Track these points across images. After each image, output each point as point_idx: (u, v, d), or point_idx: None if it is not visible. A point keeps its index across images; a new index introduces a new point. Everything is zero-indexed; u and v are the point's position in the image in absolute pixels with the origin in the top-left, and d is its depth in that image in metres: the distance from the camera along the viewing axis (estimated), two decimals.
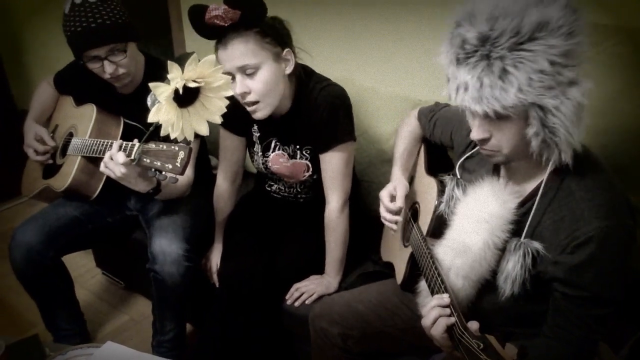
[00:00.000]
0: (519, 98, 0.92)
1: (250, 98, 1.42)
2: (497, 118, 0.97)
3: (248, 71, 1.39)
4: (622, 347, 1.23)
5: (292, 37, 1.49)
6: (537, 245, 1.03)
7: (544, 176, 1.04)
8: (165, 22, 2.60)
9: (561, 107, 0.93)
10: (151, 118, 1.21)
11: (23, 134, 1.86)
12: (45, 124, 1.91)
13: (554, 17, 0.90)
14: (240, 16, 1.34)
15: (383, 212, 1.36)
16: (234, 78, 1.40)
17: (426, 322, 1.03)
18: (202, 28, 1.38)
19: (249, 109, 1.45)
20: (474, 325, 0.95)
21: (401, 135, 1.50)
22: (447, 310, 1.01)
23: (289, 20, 1.50)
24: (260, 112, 1.45)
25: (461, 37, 0.96)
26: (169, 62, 1.17)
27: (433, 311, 1.02)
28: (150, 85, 1.17)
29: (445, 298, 1.03)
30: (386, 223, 1.36)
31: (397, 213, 1.33)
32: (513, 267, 1.04)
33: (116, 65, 1.57)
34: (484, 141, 1.03)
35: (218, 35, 1.39)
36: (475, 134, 1.03)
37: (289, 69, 1.46)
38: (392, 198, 1.34)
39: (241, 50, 1.37)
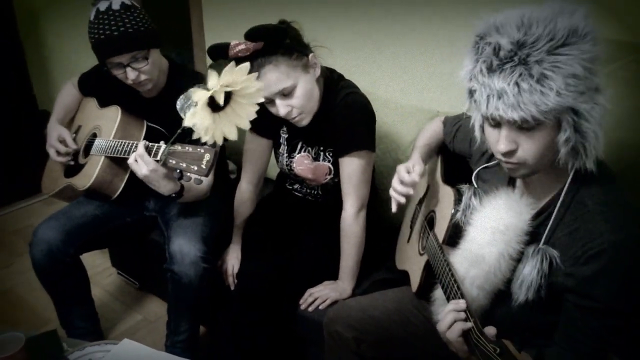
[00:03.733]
0: (558, 102, 0.93)
1: (294, 114, 1.49)
2: (526, 128, 0.97)
3: (286, 92, 1.45)
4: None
5: (305, 35, 1.54)
6: (554, 252, 1.04)
7: (562, 186, 1.05)
8: (187, 28, 2.64)
9: (592, 111, 0.95)
10: (187, 122, 1.24)
11: (44, 134, 1.90)
12: (68, 124, 1.95)
13: (579, 24, 0.92)
14: (264, 45, 1.40)
15: (395, 183, 1.34)
16: (272, 101, 1.47)
17: (442, 326, 1.04)
18: (224, 57, 1.44)
19: (293, 121, 1.51)
20: (490, 330, 0.96)
21: (424, 132, 1.53)
22: (463, 315, 1.02)
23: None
24: (305, 120, 1.52)
25: (493, 45, 0.96)
26: (209, 70, 1.21)
27: (449, 315, 1.03)
28: (190, 90, 1.21)
29: (461, 303, 1.04)
30: (394, 195, 1.34)
31: (409, 185, 1.32)
32: (529, 272, 1.04)
33: (138, 72, 1.61)
34: (511, 153, 1.02)
35: (245, 60, 1.42)
36: (504, 146, 1.01)
37: (317, 72, 1.52)
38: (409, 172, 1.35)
39: (275, 77, 1.43)
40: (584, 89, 0.93)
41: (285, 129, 1.66)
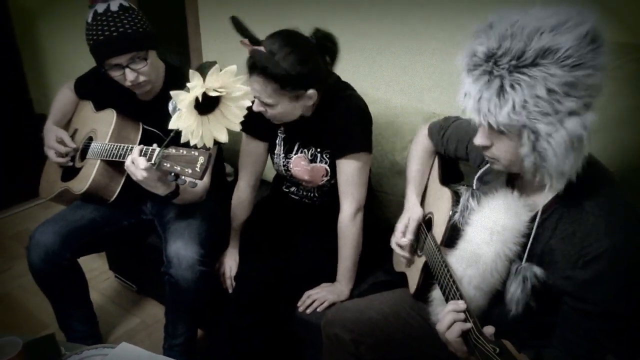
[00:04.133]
0: (512, 117, 0.94)
1: (267, 115, 1.50)
2: (497, 132, 1.00)
3: (265, 103, 1.46)
4: None
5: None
6: (536, 269, 1.05)
7: (554, 192, 1.05)
8: (183, 31, 2.64)
9: (555, 134, 0.94)
10: (172, 124, 1.24)
11: (41, 138, 1.90)
12: (64, 127, 1.94)
13: (563, 46, 0.90)
14: (267, 67, 1.39)
15: (394, 244, 1.43)
16: None
17: (441, 326, 1.04)
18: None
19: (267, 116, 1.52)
20: (489, 329, 0.97)
21: (413, 155, 1.52)
22: (462, 315, 1.02)
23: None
24: (275, 121, 1.54)
25: (473, 48, 0.99)
26: (191, 71, 1.21)
27: (448, 315, 1.03)
28: (172, 93, 1.21)
29: (460, 304, 1.04)
30: (399, 251, 1.43)
31: (405, 248, 1.40)
32: (515, 290, 1.07)
33: (137, 73, 1.61)
34: (485, 148, 1.07)
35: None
36: (478, 140, 1.06)
37: (309, 103, 1.50)
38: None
39: (258, 89, 1.43)
40: (550, 110, 0.93)
41: (282, 129, 1.66)
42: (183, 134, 1.26)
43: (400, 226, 1.42)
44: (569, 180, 0.99)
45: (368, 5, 1.94)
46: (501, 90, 0.94)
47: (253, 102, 1.45)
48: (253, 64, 1.41)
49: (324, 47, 1.48)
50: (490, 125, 0.99)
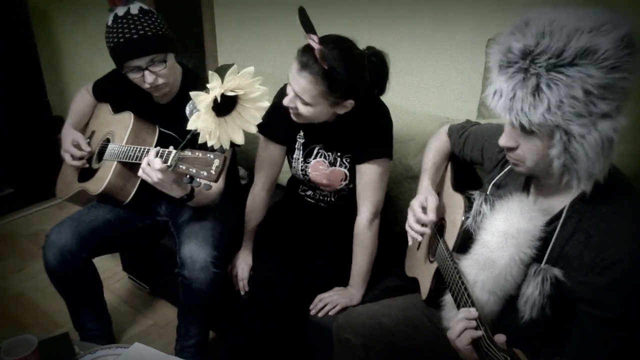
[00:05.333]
0: (546, 118, 0.93)
1: (294, 111, 1.49)
2: (525, 132, 0.99)
3: (301, 100, 1.45)
4: None
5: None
6: (556, 272, 1.04)
7: (578, 193, 1.05)
8: (199, 32, 2.67)
9: (587, 136, 0.93)
10: (190, 125, 1.25)
11: (58, 139, 1.93)
12: (82, 130, 1.97)
13: (602, 48, 0.90)
14: (325, 69, 1.37)
15: (412, 222, 1.35)
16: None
17: (452, 334, 1.04)
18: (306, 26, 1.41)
19: (290, 111, 1.51)
20: (500, 338, 0.96)
21: (430, 149, 1.52)
22: (474, 323, 1.02)
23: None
24: (299, 119, 1.52)
25: (508, 45, 0.97)
26: (210, 72, 1.22)
27: (460, 323, 1.03)
28: (191, 93, 1.22)
29: (472, 311, 1.04)
30: (412, 233, 1.35)
31: (426, 225, 1.33)
32: (532, 292, 1.06)
33: (156, 76, 1.63)
34: (510, 149, 1.05)
35: (304, 47, 1.42)
36: (503, 141, 1.05)
37: (341, 111, 1.50)
38: (424, 209, 1.35)
39: (305, 86, 1.41)
40: (584, 112, 0.92)
41: (302, 133, 1.66)
42: (201, 134, 1.27)
43: (416, 203, 1.36)
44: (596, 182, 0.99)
45: (382, 12, 1.95)
46: (537, 89, 0.93)
47: (271, 102, 1.43)
48: (308, 61, 1.39)
49: (373, 63, 1.47)
50: (521, 126, 0.97)
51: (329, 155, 1.64)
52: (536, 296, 1.05)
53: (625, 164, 1.36)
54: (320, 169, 1.66)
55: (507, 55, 0.97)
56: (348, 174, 1.64)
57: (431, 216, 1.32)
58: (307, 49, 1.40)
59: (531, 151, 1.02)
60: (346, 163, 1.63)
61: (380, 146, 1.55)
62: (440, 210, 1.45)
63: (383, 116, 1.56)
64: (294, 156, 1.70)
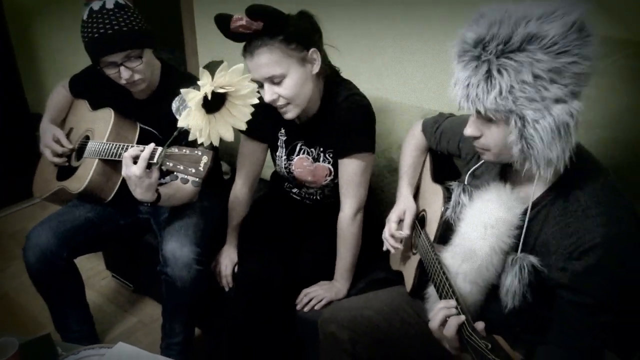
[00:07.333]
0: (498, 103, 0.96)
1: (280, 102, 1.47)
2: (487, 120, 1.02)
3: (275, 80, 1.44)
4: (631, 356, 1.24)
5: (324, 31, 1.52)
6: (532, 259, 1.05)
7: (554, 181, 1.06)
8: (179, 30, 2.64)
9: (541, 121, 0.95)
10: (181, 122, 1.24)
11: (36, 136, 1.89)
12: (59, 126, 1.94)
13: (549, 34, 0.92)
14: (263, 27, 1.38)
15: (387, 236, 1.40)
16: (262, 85, 1.45)
17: (433, 324, 1.05)
18: (229, 34, 1.43)
19: (281, 110, 1.50)
20: (479, 325, 0.98)
21: (406, 149, 1.53)
22: (454, 311, 1.03)
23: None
24: (290, 113, 1.50)
25: (463, 35, 1.00)
26: (201, 69, 1.21)
27: (440, 312, 1.04)
28: (182, 91, 1.21)
29: (451, 302, 1.05)
30: (386, 244, 1.41)
31: (400, 241, 1.38)
32: (511, 282, 1.07)
33: (132, 71, 1.60)
34: (475, 139, 1.08)
35: (245, 39, 1.44)
36: (468, 131, 1.08)
37: (315, 69, 1.49)
38: (400, 223, 1.39)
39: (266, 61, 1.41)
40: (536, 96, 0.94)
41: (283, 131, 1.65)
42: (191, 132, 1.26)
43: (393, 217, 1.40)
44: (558, 169, 1.00)
45: (365, 6, 1.94)
46: (489, 75, 0.96)
47: (260, 99, 1.43)
48: (249, 44, 1.42)
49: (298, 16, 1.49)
50: (479, 113, 1.01)
51: (312, 151, 1.64)
52: (516, 285, 1.06)
53: (619, 151, 1.39)
54: (304, 165, 1.65)
55: (462, 45, 1.00)
56: (332, 169, 1.63)
57: (406, 232, 1.37)
58: (247, 39, 1.43)
59: (493, 139, 1.04)
60: (329, 158, 1.62)
61: (362, 140, 1.54)
62: (421, 202, 1.46)
63: (364, 110, 1.55)
64: (277, 154, 1.69)
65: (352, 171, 1.55)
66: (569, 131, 0.96)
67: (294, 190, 1.77)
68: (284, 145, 1.67)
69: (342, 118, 1.52)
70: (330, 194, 1.72)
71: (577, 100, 0.96)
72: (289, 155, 1.67)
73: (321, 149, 1.62)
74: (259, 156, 1.73)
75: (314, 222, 1.76)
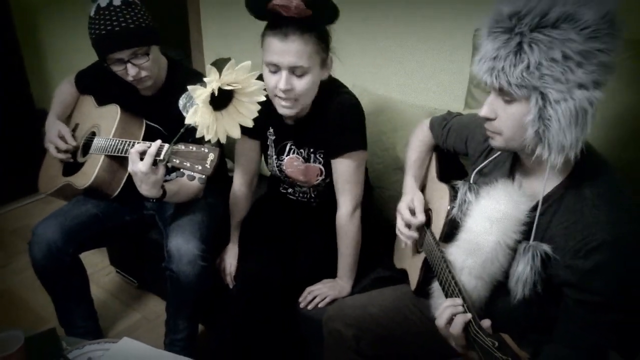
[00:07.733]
0: (524, 77, 0.95)
1: (291, 95, 1.44)
2: (507, 100, 1.01)
3: (297, 72, 1.41)
4: (634, 356, 1.23)
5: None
6: (545, 247, 1.04)
7: (562, 179, 1.06)
8: (185, 24, 2.64)
9: (562, 103, 0.95)
10: (188, 119, 1.24)
11: (41, 133, 1.90)
12: (65, 122, 1.94)
13: (584, 17, 0.92)
14: (310, 16, 1.34)
15: (401, 226, 1.38)
16: (276, 70, 1.42)
17: (440, 321, 1.05)
18: (259, 8, 1.37)
19: (283, 103, 1.46)
20: (485, 323, 0.98)
21: (413, 144, 1.53)
22: (460, 308, 1.03)
23: None
24: (292, 110, 1.48)
25: (498, 9, 0.99)
26: (208, 66, 1.22)
27: (447, 310, 1.04)
28: (189, 87, 1.21)
29: (457, 300, 1.05)
30: (402, 237, 1.38)
31: (416, 228, 1.35)
32: (523, 270, 1.05)
33: (139, 68, 1.61)
34: (488, 121, 1.07)
35: (274, 21, 1.39)
36: (483, 112, 1.06)
37: (326, 75, 1.50)
38: (412, 212, 1.37)
39: (299, 50, 1.38)
40: (562, 77, 0.94)
41: (271, 130, 1.65)
42: (198, 129, 1.26)
43: (403, 206, 1.39)
44: (568, 159, 1.00)
45: (370, 6, 1.94)
46: (519, 49, 0.96)
47: (266, 95, 1.41)
48: (287, 27, 1.35)
49: None
50: (499, 91, 1.00)
51: (302, 152, 1.63)
52: (527, 273, 1.04)
53: (619, 152, 1.38)
54: (295, 165, 1.65)
55: (496, 19, 0.99)
56: (323, 169, 1.63)
57: (420, 218, 1.34)
58: (278, 25, 1.37)
59: (508, 120, 1.03)
60: (320, 159, 1.62)
61: (354, 139, 1.54)
62: (427, 201, 1.46)
63: (353, 109, 1.54)
64: (268, 153, 1.69)
65: (346, 170, 1.55)
66: (586, 119, 0.96)
67: (289, 190, 1.77)
68: (273, 145, 1.67)
69: (334, 119, 1.51)
70: (324, 193, 1.71)
71: (599, 90, 0.96)
72: (279, 155, 1.67)
73: (311, 150, 1.62)
74: (254, 153, 1.72)
75: (309, 221, 1.76)
